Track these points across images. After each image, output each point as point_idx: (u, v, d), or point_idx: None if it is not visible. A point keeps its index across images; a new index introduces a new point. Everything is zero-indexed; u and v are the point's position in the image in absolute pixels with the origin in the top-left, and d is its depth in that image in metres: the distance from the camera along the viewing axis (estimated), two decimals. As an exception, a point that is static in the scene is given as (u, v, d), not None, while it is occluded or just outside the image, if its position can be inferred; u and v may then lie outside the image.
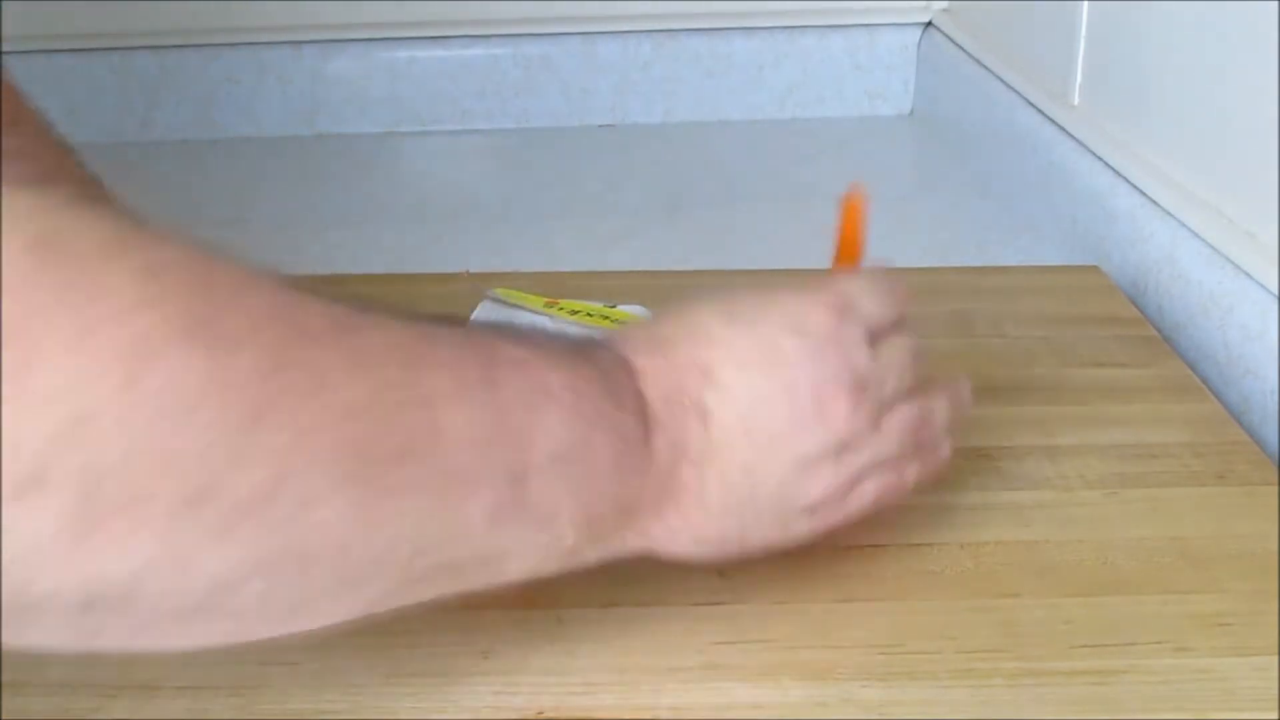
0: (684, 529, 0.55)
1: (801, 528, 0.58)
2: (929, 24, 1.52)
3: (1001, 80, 1.31)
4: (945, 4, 1.51)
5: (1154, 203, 1.00)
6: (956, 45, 1.44)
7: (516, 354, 0.49)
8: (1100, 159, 1.09)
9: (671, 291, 0.94)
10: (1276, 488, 0.71)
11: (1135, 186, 1.03)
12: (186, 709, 0.56)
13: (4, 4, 1.41)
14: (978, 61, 1.38)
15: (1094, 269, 0.99)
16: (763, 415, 0.55)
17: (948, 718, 0.56)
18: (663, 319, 0.59)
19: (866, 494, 0.59)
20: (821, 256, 1.20)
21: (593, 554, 0.53)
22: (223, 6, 1.48)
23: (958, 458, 0.74)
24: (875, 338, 0.59)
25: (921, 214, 1.30)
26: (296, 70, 1.50)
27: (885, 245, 1.21)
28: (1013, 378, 0.83)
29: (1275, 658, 0.59)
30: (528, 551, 0.50)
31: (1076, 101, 1.17)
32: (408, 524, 0.45)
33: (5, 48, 1.43)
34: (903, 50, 1.53)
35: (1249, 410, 0.84)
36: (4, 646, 0.39)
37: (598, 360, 0.53)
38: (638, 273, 1.00)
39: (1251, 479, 0.72)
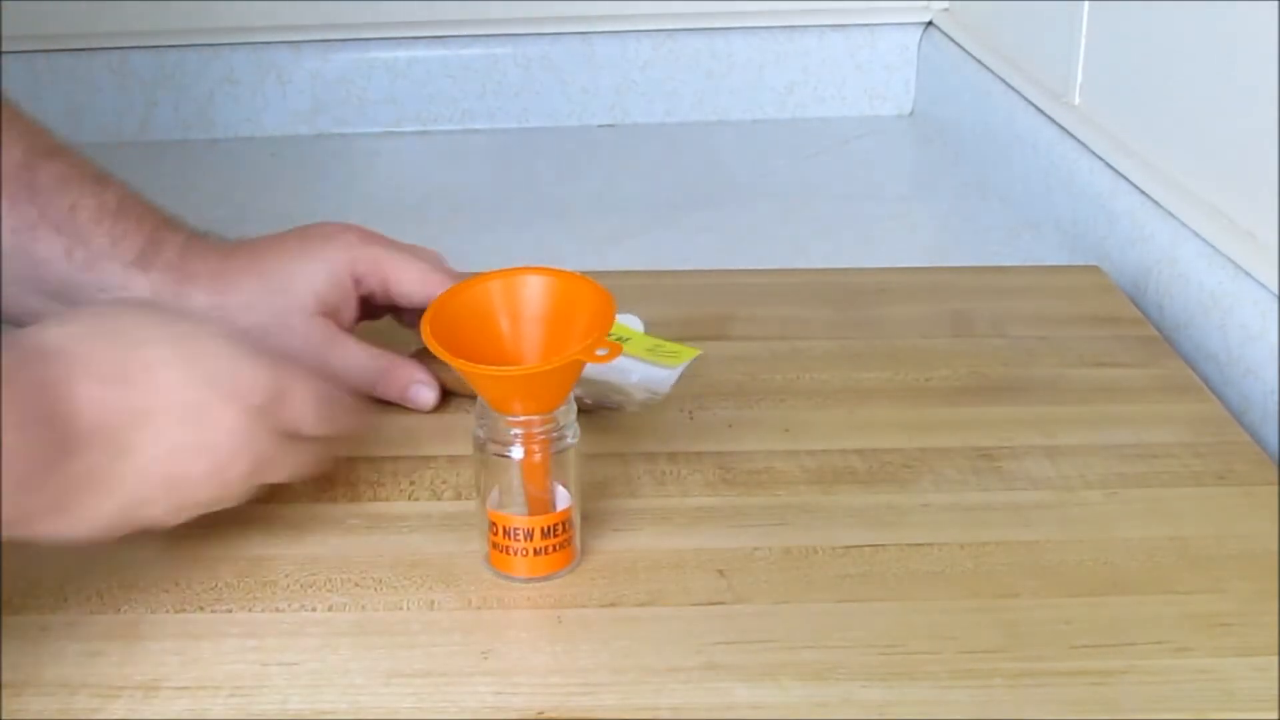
0: (58, 534, 0.57)
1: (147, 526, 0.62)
2: (929, 24, 1.52)
3: (1001, 80, 1.31)
4: (945, 4, 1.51)
5: (1154, 203, 1.00)
6: (957, 45, 1.44)
7: None
8: (1100, 159, 1.09)
9: (672, 291, 0.95)
10: (1276, 488, 0.71)
11: (1135, 186, 1.03)
12: (186, 709, 0.56)
13: (4, 4, 1.41)
14: (978, 61, 1.38)
15: (1094, 269, 0.99)
16: (177, 465, 0.59)
17: (948, 718, 0.56)
18: (123, 339, 0.60)
19: None
20: (821, 256, 1.20)
21: None
22: (222, 6, 1.48)
23: (959, 458, 0.74)
24: (294, 434, 0.64)
25: (921, 214, 1.30)
26: (296, 70, 1.50)
27: (886, 245, 1.21)
28: (1013, 378, 0.83)
29: (1275, 658, 0.59)
30: None
31: (1077, 101, 1.17)
32: None
33: (5, 48, 1.43)
34: (903, 50, 1.53)
35: (1249, 410, 0.84)
36: None
37: (35, 375, 0.55)
38: (638, 272, 1.00)
39: (1251, 479, 0.72)
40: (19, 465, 0.53)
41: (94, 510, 0.58)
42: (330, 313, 0.76)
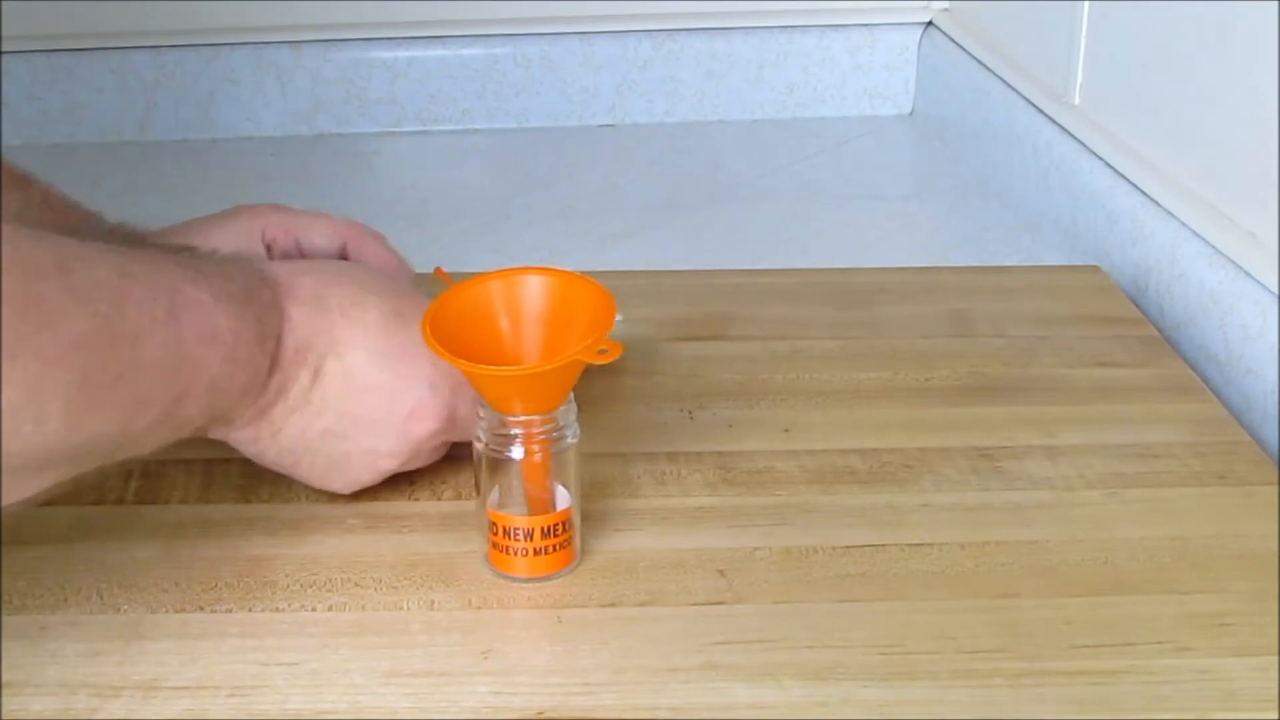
0: (252, 445, 0.65)
1: (337, 486, 0.68)
2: (929, 24, 1.52)
3: (1001, 80, 1.31)
4: (945, 4, 1.51)
5: (1154, 203, 1.00)
6: (957, 45, 1.44)
7: (199, 297, 0.58)
8: (1100, 159, 1.09)
9: (672, 291, 0.95)
10: (1276, 488, 0.71)
11: (1135, 186, 1.03)
12: (186, 709, 0.56)
13: (4, 4, 1.41)
14: (978, 61, 1.38)
15: (1094, 269, 0.99)
16: (363, 402, 0.65)
17: (948, 718, 0.56)
18: (335, 279, 0.66)
19: None
20: (821, 256, 1.19)
21: (192, 437, 0.61)
22: (223, 6, 1.48)
23: (959, 458, 0.74)
24: None
25: (921, 214, 1.30)
26: (296, 70, 1.50)
27: (886, 245, 1.21)
28: (1013, 378, 0.83)
29: (1275, 658, 0.59)
30: (158, 442, 0.58)
31: (1077, 101, 1.17)
32: (95, 433, 0.53)
33: (5, 48, 1.43)
34: (903, 50, 1.53)
35: (1249, 410, 0.84)
36: None
37: (260, 300, 0.62)
38: (638, 272, 1.00)
39: (1251, 479, 0.72)
40: (249, 375, 0.61)
41: (283, 426, 0.64)
42: None
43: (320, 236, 0.78)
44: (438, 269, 0.75)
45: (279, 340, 0.62)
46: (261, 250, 0.77)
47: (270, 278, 0.64)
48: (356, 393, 0.65)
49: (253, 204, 0.79)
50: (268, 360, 0.62)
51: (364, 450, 0.67)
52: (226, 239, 0.77)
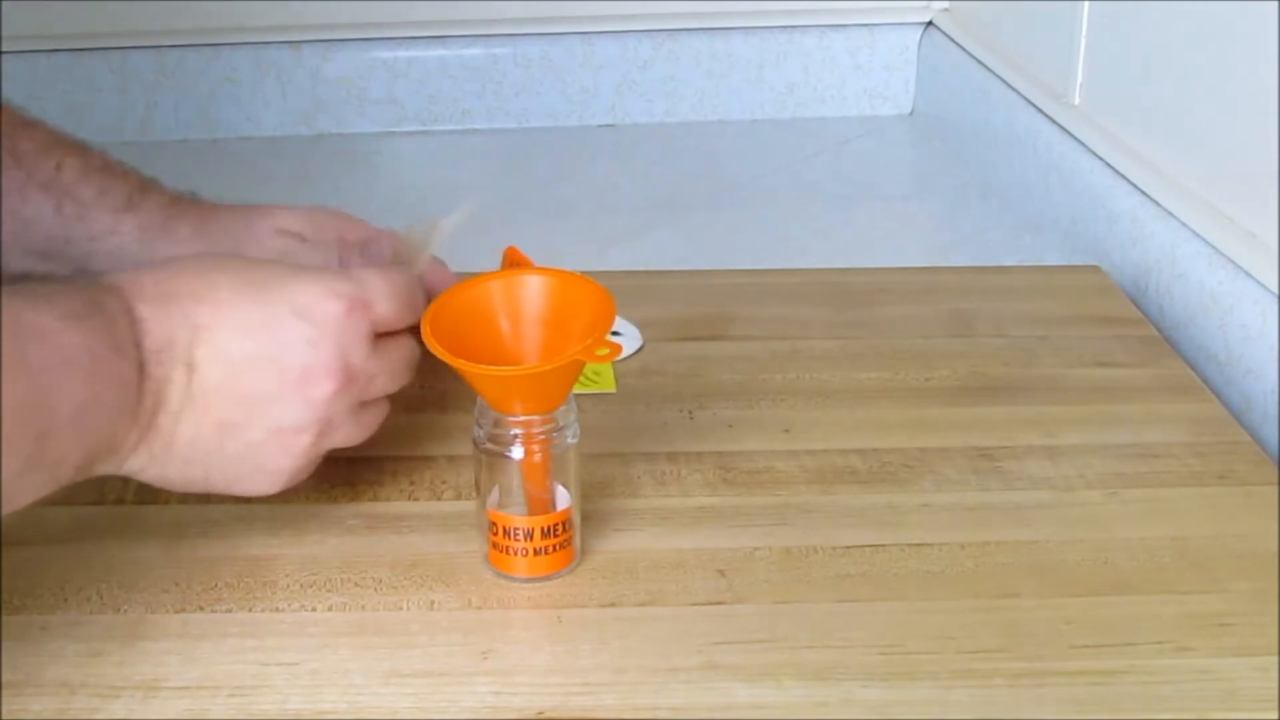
0: (153, 467, 0.60)
1: (262, 485, 0.64)
2: (929, 24, 1.52)
3: (1001, 80, 1.31)
4: (945, 4, 1.51)
5: (1154, 203, 1.00)
6: (957, 45, 1.44)
7: (39, 322, 0.54)
8: (1100, 159, 1.09)
9: (672, 291, 0.95)
10: (1276, 488, 0.71)
11: (1135, 186, 1.03)
12: (186, 709, 0.56)
13: (4, 4, 1.41)
14: (978, 61, 1.38)
15: (1094, 269, 0.99)
16: (247, 379, 0.60)
17: (948, 718, 0.56)
18: (181, 268, 0.62)
19: (318, 459, 0.65)
20: (820, 256, 1.19)
21: (78, 478, 0.57)
22: (223, 6, 1.48)
23: (959, 458, 0.74)
24: (381, 337, 0.64)
25: (921, 214, 1.30)
26: (296, 70, 1.50)
27: (886, 245, 1.21)
28: (1013, 378, 0.83)
29: (1275, 658, 0.59)
30: (35, 491, 0.55)
31: (1077, 101, 1.17)
32: None
33: (5, 48, 1.43)
34: (903, 50, 1.53)
35: (1249, 410, 0.84)
36: None
37: (107, 310, 0.57)
38: (638, 272, 1.00)
39: (1251, 479, 0.72)
40: (117, 392, 0.57)
41: (173, 434, 0.60)
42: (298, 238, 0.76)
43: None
44: (512, 249, 0.74)
45: (138, 345, 0.58)
46: (327, 225, 0.76)
47: (112, 285, 0.59)
48: (237, 372, 0.60)
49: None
50: (133, 370, 0.57)
51: (270, 432, 0.62)
52: (297, 209, 0.76)
